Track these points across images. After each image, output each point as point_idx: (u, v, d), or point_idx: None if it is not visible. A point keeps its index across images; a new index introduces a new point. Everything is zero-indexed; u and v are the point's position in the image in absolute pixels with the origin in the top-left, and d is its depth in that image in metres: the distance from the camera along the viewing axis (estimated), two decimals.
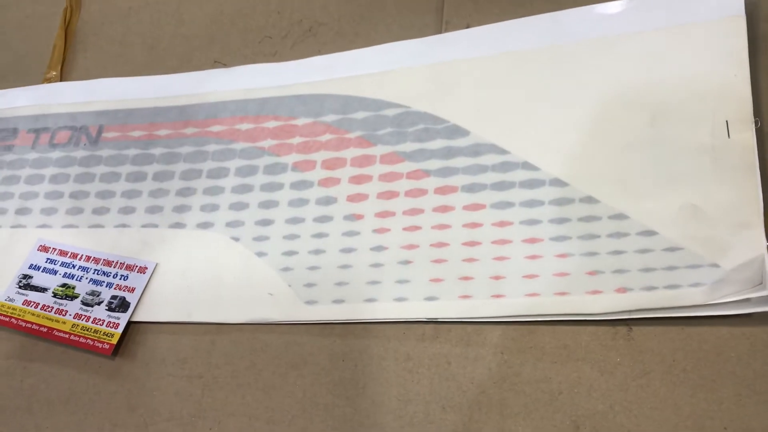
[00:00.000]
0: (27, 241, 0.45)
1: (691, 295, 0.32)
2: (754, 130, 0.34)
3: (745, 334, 0.31)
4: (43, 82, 0.52)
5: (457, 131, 0.40)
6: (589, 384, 0.32)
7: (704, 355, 0.31)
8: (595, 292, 0.33)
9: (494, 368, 0.34)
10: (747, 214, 0.32)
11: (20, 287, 0.43)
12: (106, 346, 0.40)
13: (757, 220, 0.32)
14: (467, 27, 0.43)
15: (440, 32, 0.43)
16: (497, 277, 0.35)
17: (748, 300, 0.31)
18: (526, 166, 0.37)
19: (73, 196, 0.46)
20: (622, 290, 0.33)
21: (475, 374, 0.34)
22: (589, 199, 0.35)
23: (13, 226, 0.46)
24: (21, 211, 0.46)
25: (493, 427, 0.33)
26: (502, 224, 0.36)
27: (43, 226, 0.46)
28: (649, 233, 0.34)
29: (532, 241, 0.35)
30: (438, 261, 0.37)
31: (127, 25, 0.53)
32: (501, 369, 0.34)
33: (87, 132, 0.48)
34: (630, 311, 0.32)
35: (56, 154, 0.48)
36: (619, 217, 0.34)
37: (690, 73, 0.36)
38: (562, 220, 0.35)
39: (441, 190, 0.38)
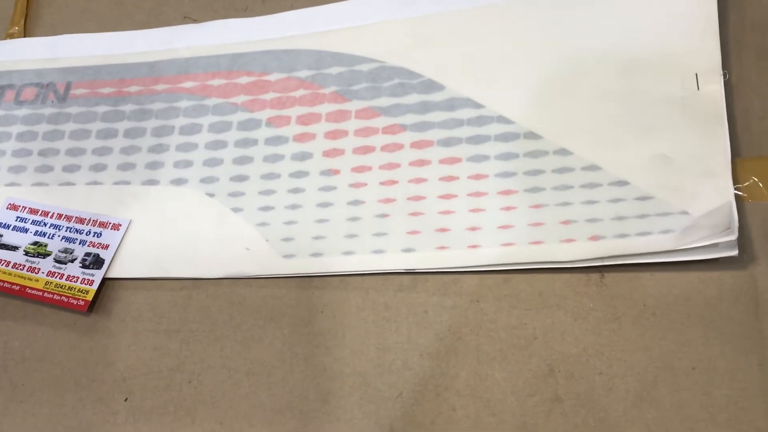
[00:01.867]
0: None
1: (661, 241, 0.33)
2: (722, 82, 0.35)
3: (713, 278, 0.32)
4: (5, 38, 0.51)
5: (432, 86, 0.40)
6: (563, 329, 0.33)
7: (673, 300, 0.33)
8: (569, 240, 0.34)
9: (470, 316, 0.35)
10: (715, 163, 0.33)
11: None
12: (81, 303, 0.40)
13: (724, 169, 0.33)
14: None
15: None
16: (473, 228, 0.36)
17: (716, 245, 0.32)
18: (501, 119, 0.38)
19: (42, 153, 0.45)
20: (595, 238, 0.34)
21: (452, 322, 0.35)
22: (563, 151, 0.36)
23: None
24: None
25: (469, 372, 0.34)
26: (477, 177, 0.37)
27: (12, 184, 0.45)
28: (621, 183, 0.34)
29: (507, 192, 0.36)
30: (415, 214, 0.37)
31: None
32: (477, 316, 0.34)
33: (54, 89, 0.47)
34: (603, 258, 0.33)
35: (23, 112, 0.47)
36: (592, 168, 0.35)
37: (661, 28, 0.37)
38: (536, 172, 0.36)
39: (417, 144, 0.39)
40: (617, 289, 0.33)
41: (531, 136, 0.37)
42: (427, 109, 0.39)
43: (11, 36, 0.51)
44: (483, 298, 0.35)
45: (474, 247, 0.35)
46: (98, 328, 0.40)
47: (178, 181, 0.42)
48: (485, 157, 0.37)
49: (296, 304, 0.37)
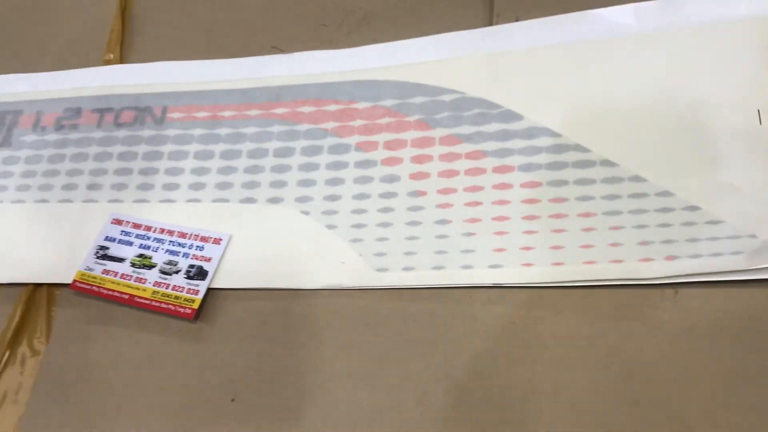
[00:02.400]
0: (100, 215, 0.48)
1: (732, 262, 0.36)
2: None
3: None
4: (102, 64, 0.55)
5: (511, 116, 0.44)
6: (640, 339, 0.37)
7: (743, 314, 0.36)
8: (647, 259, 0.38)
9: (555, 327, 0.38)
10: None
11: (98, 257, 0.47)
12: (188, 311, 0.43)
13: None
14: (517, 20, 0.47)
15: (490, 24, 0.47)
16: (556, 247, 0.39)
17: None
18: (578, 148, 0.42)
19: (143, 172, 0.49)
20: (671, 258, 0.37)
21: (537, 332, 0.38)
22: (637, 178, 0.40)
23: (84, 201, 0.49)
24: (92, 187, 0.49)
25: (555, 378, 0.37)
26: (558, 200, 0.40)
27: (115, 200, 0.49)
28: (693, 208, 0.38)
29: (587, 215, 0.40)
30: (500, 233, 0.41)
31: (182, 11, 0.55)
32: (560, 327, 0.38)
33: (151, 112, 0.51)
34: (678, 276, 0.37)
35: (122, 133, 0.51)
36: (665, 194, 0.39)
37: (726, 66, 0.41)
38: (613, 197, 0.40)
39: (499, 170, 0.42)
40: (690, 304, 0.37)
41: (606, 163, 0.40)
42: (507, 137, 0.43)
43: (108, 62, 0.55)
44: (566, 310, 0.38)
45: (557, 264, 0.39)
46: (204, 335, 0.43)
47: (275, 200, 0.46)
48: (564, 182, 0.41)
49: (390, 313, 0.41)
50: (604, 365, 0.37)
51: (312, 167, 0.46)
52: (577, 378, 0.37)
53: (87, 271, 0.46)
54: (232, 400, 0.41)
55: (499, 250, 0.40)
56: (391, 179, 0.44)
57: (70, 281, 0.46)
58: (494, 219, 0.41)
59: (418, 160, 0.44)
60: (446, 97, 0.46)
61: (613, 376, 0.37)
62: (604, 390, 0.36)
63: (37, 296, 0.47)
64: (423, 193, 0.43)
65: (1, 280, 0.47)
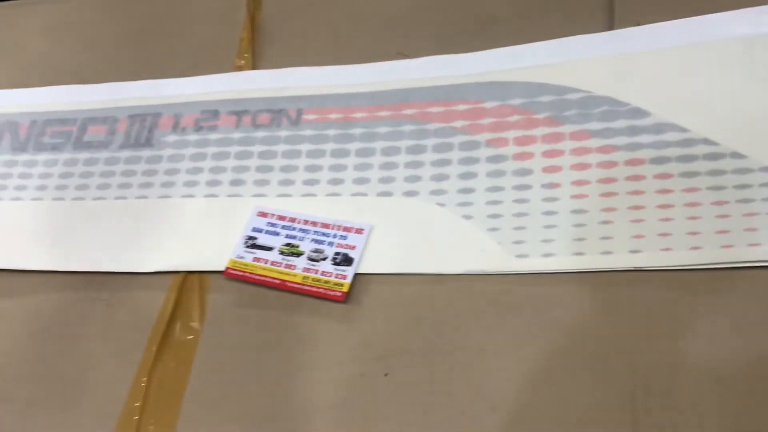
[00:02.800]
0: (245, 208, 0.52)
1: None
2: None
3: None
4: (234, 70, 0.59)
5: (638, 112, 0.47)
6: None
7: None
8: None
9: (695, 306, 0.41)
10: None
11: (247, 247, 0.50)
12: (338, 294, 0.47)
13: None
14: (637, 24, 0.50)
15: (611, 29, 0.50)
16: (693, 233, 0.42)
17: None
18: (707, 141, 0.44)
19: (283, 169, 0.53)
20: None
21: (678, 312, 0.41)
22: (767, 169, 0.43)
23: (229, 195, 0.53)
24: (235, 182, 0.53)
25: (699, 351, 0.40)
26: (690, 190, 0.43)
27: (258, 195, 0.53)
28: None
29: (719, 203, 0.43)
30: (636, 221, 0.44)
31: (307, 19, 0.60)
32: (700, 306, 0.41)
33: (287, 114, 0.55)
34: None
35: (261, 134, 0.55)
36: None
37: None
38: (744, 186, 0.42)
39: (630, 162, 0.45)
40: None
41: (736, 155, 0.43)
42: (635, 132, 0.46)
43: (239, 68, 0.59)
44: (703, 291, 0.41)
45: (695, 248, 0.42)
46: (353, 315, 0.47)
47: (410, 193, 0.49)
48: (696, 173, 0.44)
49: (530, 297, 0.44)
50: (730, 342, 0.40)
51: (444, 163, 0.50)
52: (719, 353, 0.40)
53: (238, 259, 0.50)
54: (386, 374, 0.44)
55: (638, 236, 0.43)
56: (524, 173, 0.47)
57: (221, 269, 0.50)
58: (629, 208, 0.44)
59: (549, 154, 0.47)
60: (573, 96, 0.49)
61: (752, 351, 0.39)
62: (745, 363, 0.39)
63: (188, 283, 0.51)
64: (557, 185, 0.46)
65: (154, 269, 0.52)
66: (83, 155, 0.58)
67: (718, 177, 0.43)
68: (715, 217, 0.42)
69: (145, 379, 0.48)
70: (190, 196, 0.54)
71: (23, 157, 0.60)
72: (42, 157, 0.59)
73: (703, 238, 0.42)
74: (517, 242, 0.45)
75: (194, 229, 0.52)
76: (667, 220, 0.43)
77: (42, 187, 0.58)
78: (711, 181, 0.43)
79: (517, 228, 0.46)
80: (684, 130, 0.45)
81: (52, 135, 0.60)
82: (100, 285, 0.53)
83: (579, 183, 0.46)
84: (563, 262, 0.44)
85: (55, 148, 0.59)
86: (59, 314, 0.52)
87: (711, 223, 0.42)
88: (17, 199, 0.58)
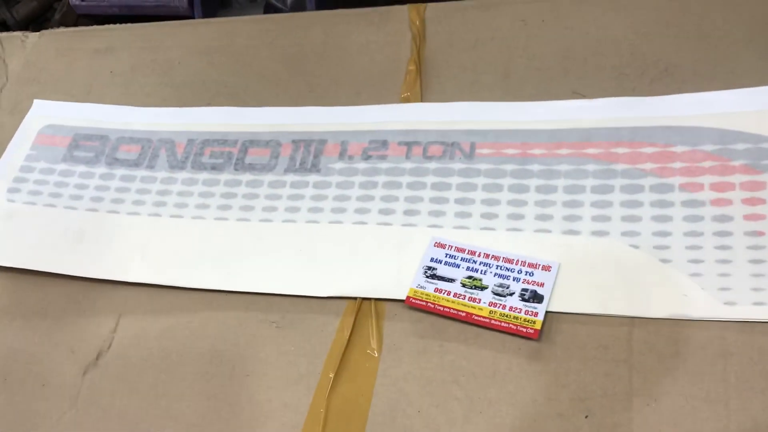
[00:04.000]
0: (420, 239, 0.52)
1: None
2: None
3: None
4: (400, 101, 0.59)
5: None
6: None
7: None
8: None
9: None
10: None
11: (427, 277, 0.50)
12: (531, 331, 0.46)
13: None
14: None
15: None
16: None
17: None
18: None
19: (459, 201, 0.53)
20: None
21: None
22: None
23: (403, 225, 0.53)
24: (409, 212, 0.53)
25: None
26: None
27: (434, 226, 0.52)
28: None
29: None
30: None
31: (476, 55, 0.60)
32: None
33: (460, 147, 0.55)
34: None
35: (433, 165, 0.55)
36: None
37: None
38: None
39: None
40: None
41: None
42: None
43: (405, 99, 0.59)
44: None
45: None
46: (544, 354, 0.46)
47: (599, 233, 0.49)
48: None
49: (741, 345, 0.43)
50: None
51: (635, 204, 0.49)
52: None
53: (419, 289, 0.49)
54: (586, 417, 0.43)
55: None
56: (723, 219, 0.47)
57: (399, 297, 0.50)
58: None
59: (750, 202, 0.47)
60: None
61: None
62: None
63: (364, 309, 0.50)
64: (762, 233, 0.46)
65: (329, 294, 0.51)
66: (246, 177, 0.58)
67: None
68: None
69: (324, 405, 0.47)
70: (362, 223, 0.54)
71: (182, 175, 0.60)
72: (202, 176, 0.59)
73: None
74: (724, 289, 0.44)
75: (368, 256, 0.52)
76: None
77: (203, 206, 0.58)
78: None
79: (722, 275, 0.45)
80: None
81: (211, 155, 0.61)
82: (267, 306, 0.52)
83: None
84: None
85: (215, 168, 0.60)
86: (226, 334, 0.52)
87: None
88: (177, 216, 0.58)
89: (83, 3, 0.87)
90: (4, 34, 0.76)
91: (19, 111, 0.68)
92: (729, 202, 0.47)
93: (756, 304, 0.44)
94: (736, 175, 0.48)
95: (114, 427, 0.49)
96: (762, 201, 0.47)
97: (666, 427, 0.42)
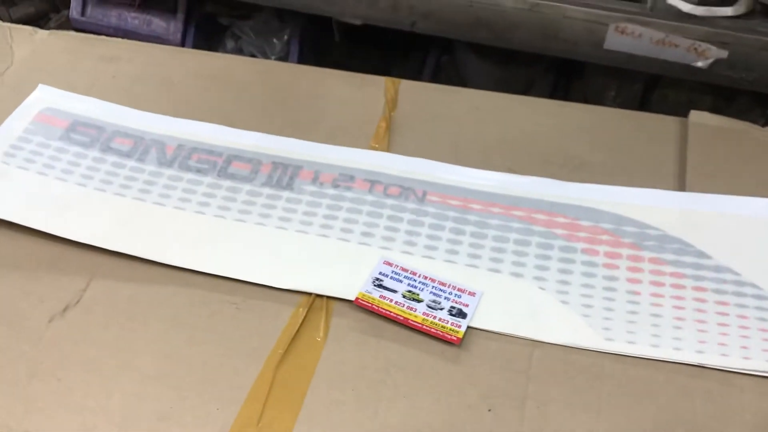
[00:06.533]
0: (372, 256, 0.62)
1: None
2: None
3: None
4: (369, 149, 0.71)
5: (702, 255, 0.61)
6: None
7: None
8: None
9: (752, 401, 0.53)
10: None
11: (375, 285, 0.60)
12: (454, 338, 0.57)
13: None
14: (704, 192, 0.65)
15: (682, 189, 0.66)
16: (744, 347, 0.55)
17: None
18: (753, 286, 0.59)
19: (408, 233, 0.64)
20: None
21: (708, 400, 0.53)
22: None
23: (359, 243, 0.63)
24: (365, 234, 0.64)
25: None
26: (742, 317, 0.57)
27: (385, 248, 0.63)
28: None
29: (764, 330, 0.56)
30: (702, 331, 0.56)
31: (435, 126, 0.73)
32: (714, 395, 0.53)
33: (414, 192, 0.67)
34: None
35: (390, 201, 0.66)
36: None
37: None
38: None
39: (697, 289, 0.59)
40: None
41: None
42: (699, 268, 0.60)
43: (374, 148, 0.71)
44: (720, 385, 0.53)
45: (746, 358, 0.54)
46: (462, 358, 0.56)
47: (516, 275, 0.61)
48: (746, 306, 0.57)
49: (613, 372, 0.55)
50: None
51: (546, 257, 0.62)
52: None
53: (367, 293, 0.59)
54: (489, 410, 0.53)
55: (701, 342, 0.56)
56: (611, 278, 0.60)
57: (349, 297, 0.59)
58: (696, 321, 0.57)
59: (632, 270, 0.61)
60: (651, 232, 0.63)
61: None
62: None
63: (316, 304, 0.60)
64: (638, 293, 0.59)
65: (289, 286, 0.60)
66: (227, 183, 0.67)
67: (764, 312, 0.57)
68: (761, 340, 0.55)
69: (271, 375, 0.55)
70: (325, 236, 0.63)
71: (168, 172, 0.68)
72: (187, 176, 0.68)
73: (752, 351, 0.55)
74: (606, 329, 0.57)
75: (327, 262, 0.62)
76: (724, 335, 0.56)
77: (185, 200, 0.66)
78: (758, 314, 0.57)
79: (606, 318, 0.58)
80: (736, 273, 0.60)
81: (198, 161, 0.69)
82: (231, 290, 0.60)
83: (656, 295, 0.59)
84: (642, 349, 0.55)
85: (200, 171, 0.68)
86: (189, 307, 0.59)
87: (757, 339, 0.55)
88: (159, 204, 0.66)
89: (82, 18, 0.95)
90: (14, 25, 0.84)
91: (22, 90, 0.75)
92: (617, 267, 0.61)
93: (629, 342, 0.56)
94: (624, 249, 0.62)
95: (74, 370, 0.55)
96: (641, 270, 0.60)
97: (550, 425, 0.52)
